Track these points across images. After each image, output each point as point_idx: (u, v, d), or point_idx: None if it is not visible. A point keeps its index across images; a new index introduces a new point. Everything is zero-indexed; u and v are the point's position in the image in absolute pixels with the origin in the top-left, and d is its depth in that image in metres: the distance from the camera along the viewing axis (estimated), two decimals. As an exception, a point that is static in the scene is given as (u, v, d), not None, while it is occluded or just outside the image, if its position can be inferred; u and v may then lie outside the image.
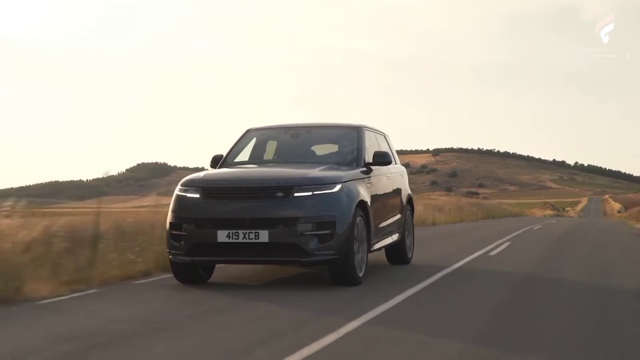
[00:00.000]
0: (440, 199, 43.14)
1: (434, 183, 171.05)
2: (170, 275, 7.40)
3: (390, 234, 8.43)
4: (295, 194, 6.65)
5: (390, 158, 8.14)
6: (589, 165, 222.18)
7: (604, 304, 6.18)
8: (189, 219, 6.85)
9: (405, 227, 9.08)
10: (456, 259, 9.78)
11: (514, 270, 8.65)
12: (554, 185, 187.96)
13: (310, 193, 6.68)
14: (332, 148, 8.36)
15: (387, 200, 8.33)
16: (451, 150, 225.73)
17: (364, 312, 5.52)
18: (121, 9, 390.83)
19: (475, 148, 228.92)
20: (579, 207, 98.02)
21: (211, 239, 6.70)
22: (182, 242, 6.87)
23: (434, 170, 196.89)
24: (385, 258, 9.21)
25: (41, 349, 4.53)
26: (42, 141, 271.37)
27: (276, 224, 6.59)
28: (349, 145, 8.06)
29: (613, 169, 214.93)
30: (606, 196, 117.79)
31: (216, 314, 5.72)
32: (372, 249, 7.56)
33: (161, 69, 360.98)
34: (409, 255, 9.32)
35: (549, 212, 68.85)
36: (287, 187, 6.70)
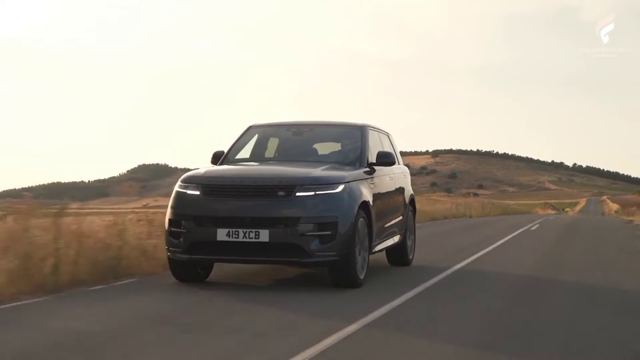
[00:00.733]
0: (442, 199, 44.38)
1: (433, 184, 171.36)
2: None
3: (392, 235, 8.32)
4: (297, 194, 6.54)
5: (393, 158, 8.03)
6: (587, 166, 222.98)
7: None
8: (188, 216, 6.74)
9: (406, 228, 8.97)
10: (509, 232, 16.79)
11: (550, 235, 16.90)
12: (552, 187, 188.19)
13: (312, 193, 6.56)
14: (335, 147, 8.25)
15: (389, 202, 8.22)
16: (450, 151, 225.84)
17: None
18: (121, 9, 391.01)
19: (475, 149, 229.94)
20: (578, 207, 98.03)
21: (211, 238, 6.59)
22: (181, 239, 6.76)
23: (433, 171, 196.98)
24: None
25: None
26: (42, 142, 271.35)
27: (277, 224, 6.48)
28: (352, 144, 7.95)
29: (611, 171, 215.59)
30: (604, 197, 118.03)
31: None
32: (373, 251, 7.46)
33: (161, 70, 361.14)
34: (410, 257, 9.21)
35: (550, 211, 69.23)
36: (289, 186, 6.58)
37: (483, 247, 12.00)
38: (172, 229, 6.86)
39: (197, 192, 6.78)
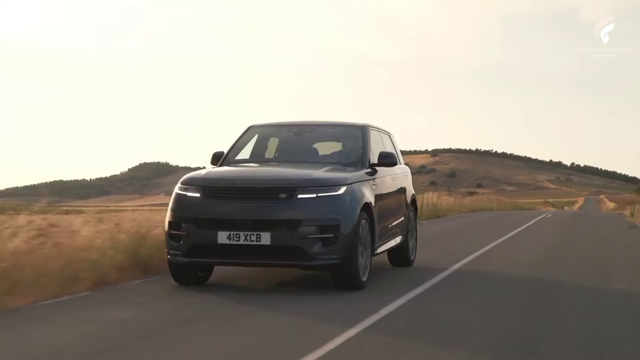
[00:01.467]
0: (443, 198, 46.48)
1: (433, 183, 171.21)
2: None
3: (393, 236, 8.25)
4: (299, 196, 6.46)
5: (395, 159, 7.96)
6: (585, 165, 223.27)
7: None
8: (188, 218, 6.66)
9: (408, 228, 8.90)
10: (534, 217, 23.61)
11: (565, 218, 23.18)
12: (551, 186, 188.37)
13: (314, 195, 6.49)
14: (336, 147, 8.17)
15: (391, 203, 8.14)
16: (449, 150, 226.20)
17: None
18: (122, 10, 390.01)
19: (473, 149, 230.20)
20: (576, 206, 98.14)
21: (211, 240, 6.51)
22: (181, 242, 6.68)
23: (432, 170, 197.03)
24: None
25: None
26: (45, 141, 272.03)
27: (278, 226, 6.40)
28: (354, 144, 7.87)
29: (609, 170, 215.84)
30: (602, 196, 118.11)
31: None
32: (375, 253, 7.39)
33: (162, 70, 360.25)
34: (412, 257, 9.14)
35: (551, 209, 69.64)
36: (291, 188, 6.50)
37: (523, 224, 19.83)
38: (172, 231, 6.78)
39: (198, 195, 6.70)
